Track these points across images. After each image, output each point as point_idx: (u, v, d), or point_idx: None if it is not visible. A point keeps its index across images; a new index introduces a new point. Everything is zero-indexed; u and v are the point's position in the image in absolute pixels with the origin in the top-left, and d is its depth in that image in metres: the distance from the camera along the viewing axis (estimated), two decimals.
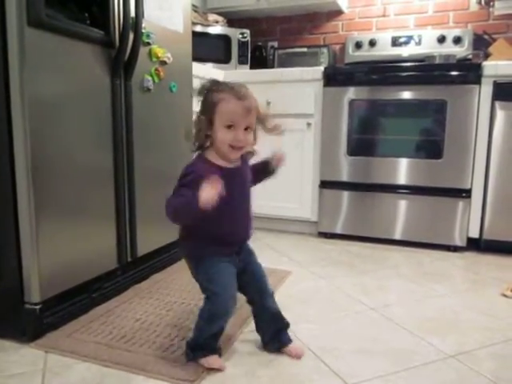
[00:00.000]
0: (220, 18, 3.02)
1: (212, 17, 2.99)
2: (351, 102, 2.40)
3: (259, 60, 3.13)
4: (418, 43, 2.84)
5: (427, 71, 2.30)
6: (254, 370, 1.18)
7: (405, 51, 2.87)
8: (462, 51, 2.69)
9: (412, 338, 1.37)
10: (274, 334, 1.27)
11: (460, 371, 1.19)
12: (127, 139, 1.63)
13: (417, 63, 2.43)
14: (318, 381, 1.14)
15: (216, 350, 1.20)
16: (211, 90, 1.12)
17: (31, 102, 1.22)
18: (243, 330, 1.40)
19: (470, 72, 2.20)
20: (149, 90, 1.72)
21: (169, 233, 1.75)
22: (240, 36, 2.91)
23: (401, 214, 2.39)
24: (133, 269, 1.74)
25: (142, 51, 1.63)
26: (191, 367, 1.17)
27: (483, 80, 2.18)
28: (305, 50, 3.05)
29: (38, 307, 1.30)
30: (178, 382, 1.11)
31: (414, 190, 2.35)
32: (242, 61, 2.93)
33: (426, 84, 2.27)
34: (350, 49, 3.01)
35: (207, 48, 2.83)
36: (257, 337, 1.34)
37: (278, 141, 2.58)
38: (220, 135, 1.10)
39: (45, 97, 1.27)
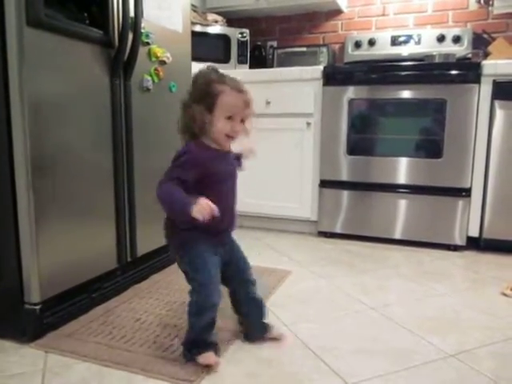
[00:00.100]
0: (219, 18, 3.02)
1: (211, 16, 2.99)
2: (351, 102, 2.40)
3: (258, 59, 3.13)
4: (418, 42, 2.84)
5: (427, 70, 2.29)
6: (253, 370, 1.18)
7: (404, 50, 2.87)
8: (461, 50, 2.69)
9: (412, 337, 1.37)
10: (260, 321, 1.31)
11: (460, 370, 1.19)
12: (127, 139, 1.63)
13: (416, 62, 2.43)
14: (317, 380, 1.14)
15: (211, 346, 1.20)
16: (212, 81, 1.14)
17: (30, 102, 1.22)
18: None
19: (469, 71, 2.20)
20: (148, 89, 1.72)
21: None
22: (239, 36, 2.91)
23: (401, 213, 2.39)
24: (132, 269, 1.74)
25: (142, 51, 1.63)
26: (191, 367, 1.17)
27: (483, 79, 2.18)
28: (304, 49, 3.05)
29: (37, 307, 1.30)
30: (177, 381, 1.11)
31: (413, 189, 2.35)
32: (241, 60, 2.93)
33: (426, 83, 2.27)
34: (350, 48, 3.01)
35: (206, 48, 2.83)
36: None
37: (278, 140, 2.59)
38: (219, 125, 1.13)
39: (44, 97, 1.27)
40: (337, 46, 3.13)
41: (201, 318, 1.16)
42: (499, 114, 2.17)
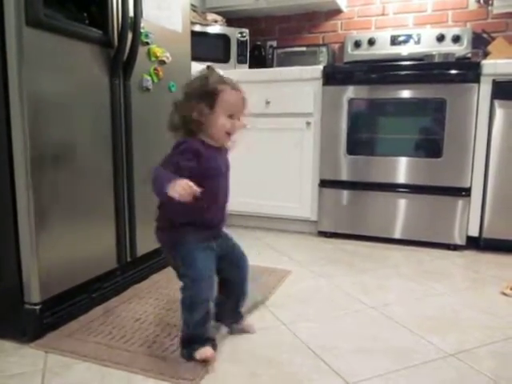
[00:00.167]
0: (219, 18, 3.02)
1: (211, 16, 2.99)
2: (350, 101, 2.40)
3: (258, 59, 3.13)
4: (417, 42, 2.84)
5: (426, 70, 2.30)
6: (253, 369, 1.18)
7: (404, 50, 2.87)
8: (461, 50, 2.69)
9: (412, 336, 1.37)
10: (236, 309, 1.36)
11: (460, 370, 1.19)
12: (126, 139, 1.63)
13: (416, 62, 2.43)
14: (317, 380, 1.14)
15: (207, 341, 1.20)
16: (213, 80, 1.17)
17: (30, 102, 1.22)
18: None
19: (469, 71, 2.20)
20: (148, 89, 1.72)
21: None
22: (239, 35, 2.91)
23: (400, 212, 2.39)
24: (132, 269, 1.74)
25: (141, 51, 1.63)
26: (191, 366, 1.17)
27: (482, 79, 2.18)
28: (304, 49, 3.05)
29: (37, 307, 1.30)
30: (177, 381, 1.11)
31: (413, 188, 2.35)
32: (240, 60, 2.93)
33: (425, 83, 2.27)
34: (349, 48, 3.01)
35: (206, 47, 2.83)
36: (257, 336, 1.34)
37: (278, 140, 2.59)
38: (221, 122, 1.17)
39: (44, 96, 1.27)
40: (336, 46, 3.13)
41: (194, 314, 1.17)
42: (499, 113, 2.17)
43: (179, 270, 1.22)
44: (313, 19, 3.19)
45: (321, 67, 2.48)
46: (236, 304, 1.35)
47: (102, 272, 1.56)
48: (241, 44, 2.91)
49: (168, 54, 1.80)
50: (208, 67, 1.24)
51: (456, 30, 2.76)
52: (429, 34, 2.82)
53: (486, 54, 2.59)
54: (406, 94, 2.31)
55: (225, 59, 2.90)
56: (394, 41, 2.89)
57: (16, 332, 1.31)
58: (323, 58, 2.97)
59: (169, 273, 1.88)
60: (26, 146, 1.22)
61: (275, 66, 3.06)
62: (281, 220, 2.71)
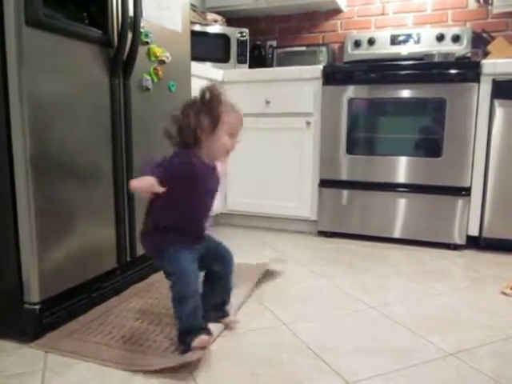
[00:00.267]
0: (219, 18, 3.02)
1: (211, 16, 2.99)
2: (350, 101, 2.40)
3: (258, 59, 3.13)
4: (417, 41, 2.84)
5: (426, 69, 2.30)
6: (253, 369, 1.18)
7: (404, 50, 2.87)
8: (460, 49, 2.69)
9: (412, 336, 1.37)
10: (222, 305, 1.40)
11: (460, 369, 1.19)
12: (126, 139, 1.63)
13: (416, 61, 2.43)
14: (318, 380, 1.14)
15: (201, 330, 1.22)
16: (218, 100, 1.22)
17: (30, 102, 1.22)
18: (243, 329, 1.40)
19: (468, 70, 2.20)
20: (148, 89, 1.72)
21: None
22: (239, 35, 2.91)
23: (400, 212, 2.39)
24: (132, 268, 1.74)
25: (141, 50, 1.63)
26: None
27: (482, 78, 2.18)
28: (304, 48, 3.05)
29: (37, 307, 1.30)
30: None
31: (413, 188, 2.35)
32: (240, 60, 2.93)
33: (425, 82, 2.27)
34: (349, 47, 3.01)
35: (206, 47, 2.83)
36: (257, 336, 1.34)
37: (278, 140, 2.59)
38: (222, 141, 1.23)
39: (43, 97, 1.27)
40: (336, 46, 3.13)
41: (184, 307, 1.21)
42: (499, 112, 2.17)
43: (165, 269, 1.29)
44: (313, 19, 3.19)
45: (321, 67, 2.48)
46: (221, 298, 1.39)
47: (101, 272, 1.56)
48: (241, 44, 2.91)
49: (168, 54, 1.80)
50: (212, 86, 1.26)
51: (456, 30, 2.76)
52: (428, 33, 2.82)
53: (485, 54, 2.59)
54: (405, 93, 2.31)
55: (225, 59, 2.90)
56: (394, 40, 2.89)
57: (16, 332, 1.31)
58: (323, 57, 2.97)
59: None
60: (26, 146, 1.22)
61: (275, 65, 3.06)
62: (281, 220, 2.71)
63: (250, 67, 2.94)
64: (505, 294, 1.71)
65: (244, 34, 2.92)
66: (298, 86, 2.50)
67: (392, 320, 1.48)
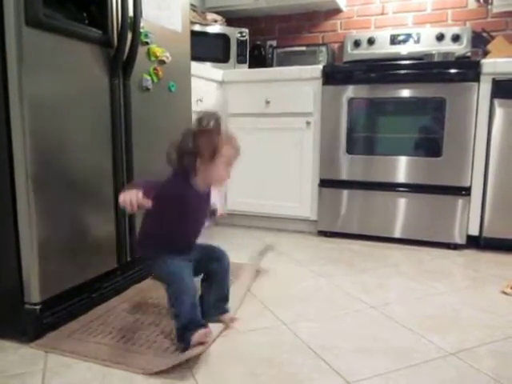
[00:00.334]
0: (219, 17, 3.02)
1: (211, 16, 2.99)
2: (350, 101, 2.40)
3: (258, 59, 3.13)
4: (417, 41, 2.84)
5: (426, 69, 2.30)
6: (253, 369, 1.18)
7: (403, 49, 2.87)
8: (460, 49, 2.69)
9: (412, 335, 1.37)
10: (221, 301, 1.41)
11: (460, 369, 1.19)
12: (126, 139, 1.63)
13: (415, 61, 2.43)
14: (318, 379, 1.14)
15: (199, 325, 1.23)
16: (218, 132, 1.26)
17: (30, 102, 1.22)
18: (243, 329, 1.40)
19: (468, 70, 2.20)
20: (148, 89, 1.72)
21: None
22: (239, 35, 2.91)
23: (400, 212, 2.39)
24: (132, 268, 1.73)
25: (141, 51, 1.63)
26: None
27: (482, 78, 2.18)
28: (303, 48, 3.05)
29: (37, 307, 1.30)
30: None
31: (413, 188, 2.35)
32: (240, 60, 2.93)
33: (425, 82, 2.27)
34: (349, 47, 3.01)
35: (206, 47, 2.83)
36: (257, 336, 1.34)
37: (278, 140, 2.59)
38: (220, 171, 1.29)
39: (43, 97, 1.27)
40: (336, 45, 3.13)
41: (182, 303, 1.23)
42: (499, 112, 2.17)
43: (160, 274, 1.33)
44: (312, 19, 3.19)
45: (320, 67, 2.48)
46: (220, 293, 1.41)
47: (102, 272, 1.56)
48: (240, 44, 2.91)
49: (168, 54, 1.80)
50: (212, 115, 1.28)
51: (455, 29, 2.76)
52: (428, 33, 2.82)
53: (485, 53, 2.59)
54: (405, 93, 2.32)
55: (224, 59, 2.90)
56: (394, 40, 2.89)
57: (16, 332, 1.31)
58: (323, 57, 2.97)
59: None
60: (26, 146, 1.22)
61: (275, 65, 3.06)
62: (281, 219, 2.71)
63: (250, 67, 2.94)
64: (505, 293, 1.71)
65: (244, 34, 2.92)
66: (297, 85, 2.50)
67: (392, 320, 1.48)
